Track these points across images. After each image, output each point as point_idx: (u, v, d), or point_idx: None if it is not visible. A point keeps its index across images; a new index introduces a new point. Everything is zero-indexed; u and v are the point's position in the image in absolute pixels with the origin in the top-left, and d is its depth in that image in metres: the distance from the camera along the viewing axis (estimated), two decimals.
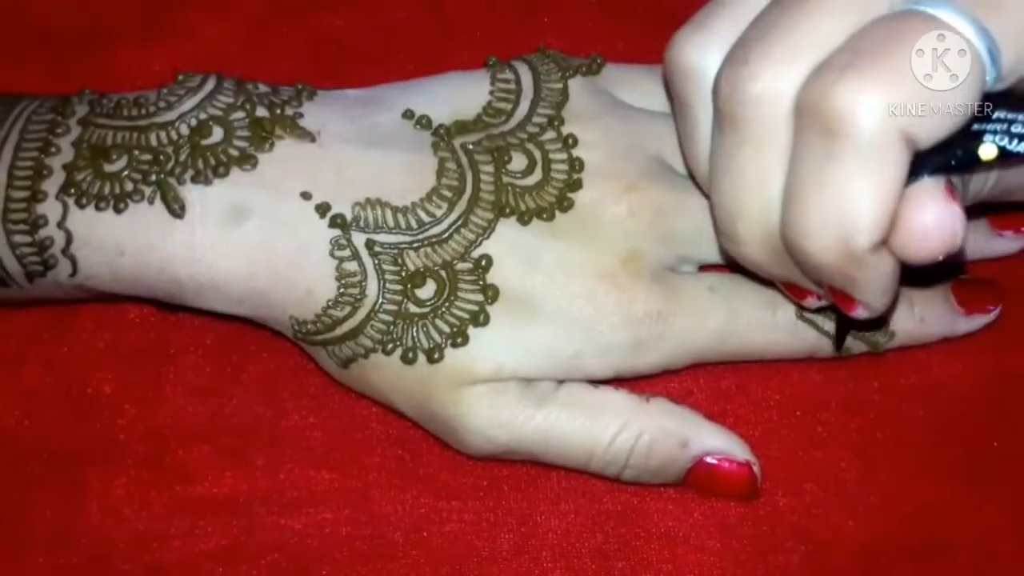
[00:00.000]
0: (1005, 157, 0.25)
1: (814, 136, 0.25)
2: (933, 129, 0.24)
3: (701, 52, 0.28)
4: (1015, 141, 0.25)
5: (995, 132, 0.25)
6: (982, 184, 0.29)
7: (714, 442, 0.32)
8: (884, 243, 0.25)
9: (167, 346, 0.35)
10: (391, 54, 0.39)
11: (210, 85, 0.32)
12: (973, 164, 0.26)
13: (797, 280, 0.29)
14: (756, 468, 0.32)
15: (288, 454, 0.33)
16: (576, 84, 0.34)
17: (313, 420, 0.34)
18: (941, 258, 0.26)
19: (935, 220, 0.25)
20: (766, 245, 0.28)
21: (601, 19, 0.39)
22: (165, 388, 0.34)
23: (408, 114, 0.33)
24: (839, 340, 0.32)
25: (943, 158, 0.25)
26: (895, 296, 0.28)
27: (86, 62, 0.38)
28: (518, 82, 0.34)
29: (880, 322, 0.32)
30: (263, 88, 0.33)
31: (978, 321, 0.33)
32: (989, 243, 0.34)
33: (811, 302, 0.30)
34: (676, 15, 0.39)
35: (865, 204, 0.24)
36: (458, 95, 0.33)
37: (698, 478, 0.32)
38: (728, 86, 0.26)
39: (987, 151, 0.25)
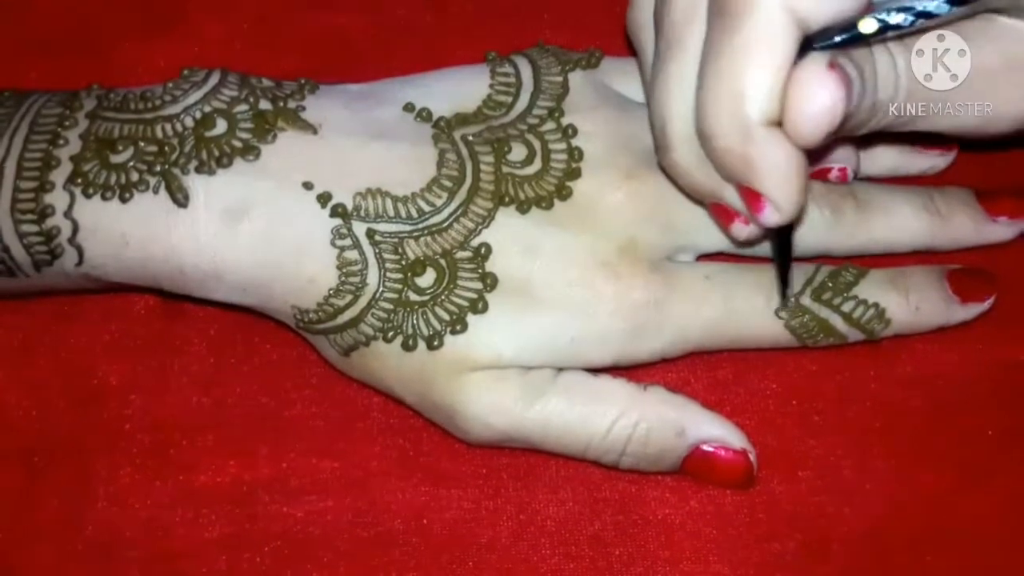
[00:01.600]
0: (884, 30, 0.27)
1: (716, 21, 0.27)
2: (823, 11, 0.26)
3: (645, 6, 0.31)
4: (892, 14, 0.27)
5: (878, 10, 0.27)
6: (892, 91, 0.29)
7: (711, 430, 0.32)
8: (778, 124, 0.27)
9: (172, 338, 0.35)
10: (392, 51, 0.39)
11: (214, 79, 0.33)
12: (856, 38, 0.27)
13: (720, 194, 0.30)
14: (752, 456, 0.32)
15: (291, 443, 0.34)
16: (576, 77, 0.34)
17: (315, 410, 0.34)
18: (825, 137, 0.27)
19: (817, 93, 0.27)
20: (690, 146, 0.29)
21: (600, 15, 0.39)
22: (170, 379, 0.35)
23: (409, 107, 0.33)
24: (782, 284, 0.32)
25: (828, 35, 0.27)
26: (802, 198, 0.29)
27: (90, 61, 0.39)
28: (518, 76, 0.34)
29: (790, 229, 0.32)
30: (266, 82, 0.33)
31: (974, 309, 0.34)
32: (984, 229, 0.34)
33: (738, 227, 0.31)
34: None
35: (755, 77, 0.26)
36: (458, 89, 0.34)
37: (695, 466, 0.32)
38: (660, 10, 0.29)
39: (867, 25, 0.27)
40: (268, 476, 0.33)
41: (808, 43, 0.27)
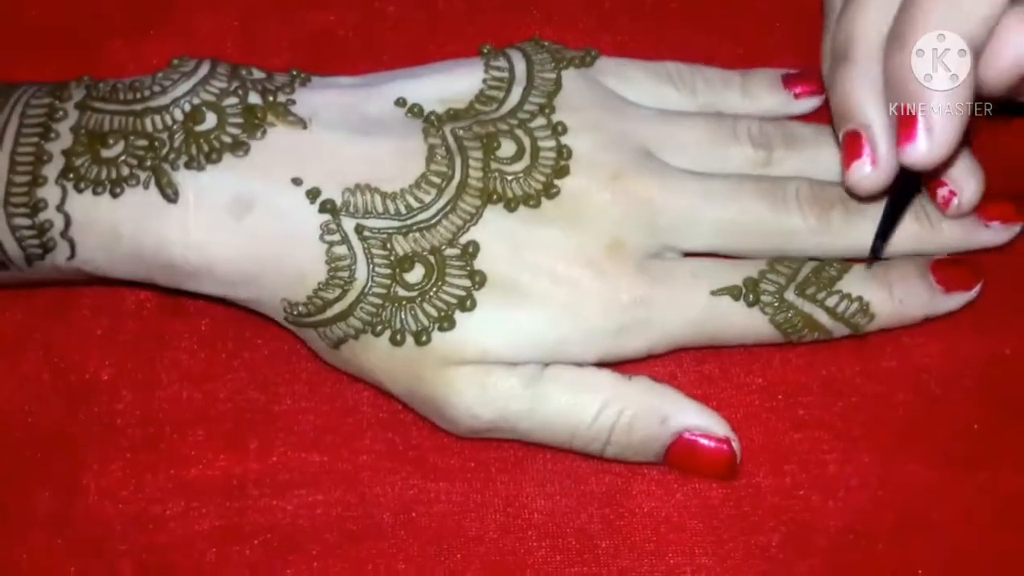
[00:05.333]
0: None
1: None
2: None
3: None
4: None
5: None
6: None
7: (694, 419, 0.32)
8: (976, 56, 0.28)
9: (163, 333, 0.35)
10: (382, 48, 0.39)
11: (204, 70, 0.33)
12: None
13: (868, 120, 0.30)
14: (735, 445, 0.32)
15: (281, 437, 0.34)
16: (569, 75, 0.34)
17: (305, 404, 0.34)
18: (1010, 84, 0.28)
19: (1018, 40, 0.27)
20: (870, 63, 0.30)
21: (590, 11, 0.39)
22: (161, 374, 0.35)
23: (400, 102, 0.34)
24: (882, 236, 0.32)
25: None
26: (954, 143, 0.29)
27: (80, 57, 0.39)
28: (511, 70, 0.34)
29: (916, 183, 0.32)
30: (257, 74, 0.34)
31: (958, 299, 0.34)
32: (975, 235, 0.34)
33: (861, 164, 0.31)
34: (663, 8, 0.40)
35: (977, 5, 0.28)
36: (451, 83, 0.34)
37: (678, 455, 0.32)
38: None
39: None
40: (258, 470, 0.34)
41: None
